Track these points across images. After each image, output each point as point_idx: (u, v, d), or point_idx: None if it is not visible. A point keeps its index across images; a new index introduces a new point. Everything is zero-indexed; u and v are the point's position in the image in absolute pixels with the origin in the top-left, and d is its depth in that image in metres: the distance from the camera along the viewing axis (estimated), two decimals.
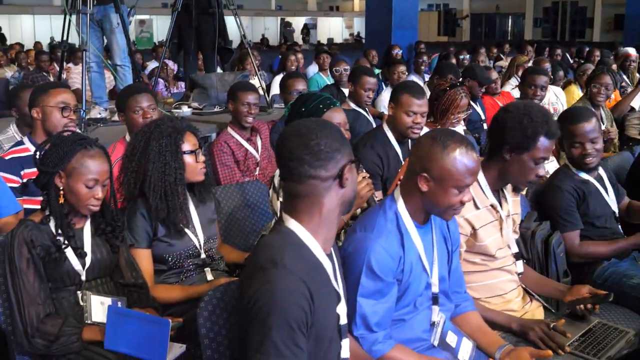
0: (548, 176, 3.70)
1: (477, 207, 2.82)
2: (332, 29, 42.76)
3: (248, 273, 1.97)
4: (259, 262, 1.93)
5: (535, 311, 2.94)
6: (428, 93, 5.65)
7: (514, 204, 2.99)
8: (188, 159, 2.97)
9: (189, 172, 2.97)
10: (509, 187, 2.99)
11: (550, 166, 4.81)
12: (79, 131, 3.92)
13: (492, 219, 2.86)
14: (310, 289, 1.87)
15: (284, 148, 1.99)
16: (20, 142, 3.63)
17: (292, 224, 2.00)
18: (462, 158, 2.29)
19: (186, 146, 2.96)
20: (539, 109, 2.86)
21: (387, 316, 2.33)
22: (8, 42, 22.69)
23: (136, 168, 2.92)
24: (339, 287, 2.08)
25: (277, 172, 3.14)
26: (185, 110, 6.44)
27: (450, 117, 4.22)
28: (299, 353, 1.82)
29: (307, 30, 35.77)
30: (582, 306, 2.86)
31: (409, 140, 3.94)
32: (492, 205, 2.86)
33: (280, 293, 1.82)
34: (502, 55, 12.99)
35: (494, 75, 6.78)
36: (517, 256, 2.99)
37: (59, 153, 2.58)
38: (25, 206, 3.41)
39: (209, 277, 3.05)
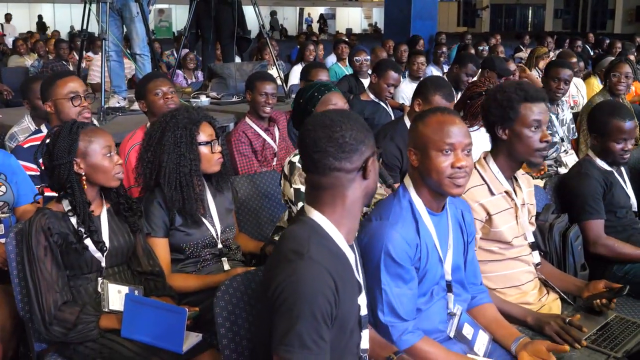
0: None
1: (492, 194, 2.82)
2: (351, 19, 42.62)
3: (272, 263, 1.97)
4: (283, 252, 1.92)
5: (552, 304, 2.92)
6: None
7: (528, 194, 2.99)
8: (204, 149, 2.97)
9: (204, 163, 2.97)
10: (524, 177, 3.00)
11: (570, 159, 4.78)
12: (94, 120, 3.95)
13: (507, 206, 2.86)
14: (335, 280, 1.87)
15: (308, 140, 1.97)
16: (39, 131, 3.64)
17: (316, 215, 2.00)
18: (434, 119, 2.34)
19: (202, 137, 2.96)
20: (512, 82, 2.93)
21: (413, 304, 2.33)
22: (29, 30, 22.85)
23: (152, 159, 2.93)
24: (360, 277, 2.09)
25: (287, 160, 3.16)
26: (204, 99, 6.46)
27: (481, 121, 4.17)
28: (323, 345, 1.82)
29: (323, 20, 35.63)
30: (598, 301, 2.84)
31: None
32: (506, 193, 2.86)
33: (307, 284, 1.82)
34: (521, 47, 12.90)
35: (513, 66, 6.73)
36: (533, 246, 2.97)
37: (65, 143, 2.60)
38: (47, 194, 3.43)
39: (226, 266, 3.06)
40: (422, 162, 2.34)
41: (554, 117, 5.06)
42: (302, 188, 3.09)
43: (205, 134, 2.98)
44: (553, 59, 8.32)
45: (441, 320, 2.46)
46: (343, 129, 1.95)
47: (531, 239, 2.97)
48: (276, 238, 3.38)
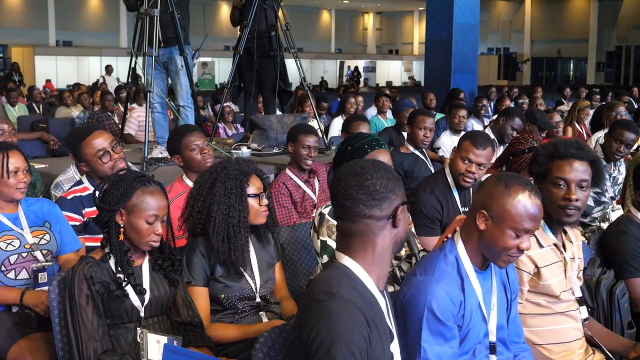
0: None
1: (540, 246, 2.80)
2: (391, 72, 42.99)
3: (304, 307, 1.98)
4: (314, 295, 1.94)
5: None
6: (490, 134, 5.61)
7: (578, 248, 2.96)
8: (252, 202, 2.99)
9: (251, 215, 2.99)
10: (573, 231, 2.97)
11: (615, 215, 4.70)
12: (131, 165, 4.00)
13: (556, 259, 2.82)
14: (367, 319, 1.88)
15: (339, 187, 2.02)
16: (80, 182, 3.70)
17: (346, 260, 2.02)
18: (523, 200, 2.28)
19: (251, 189, 2.99)
20: (554, 140, 2.96)
21: None
22: (76, 81, 23.37)
23: (201, 208, 2.96)
24: (392, 324, 2.08)
25: (318, 211, 3.17)
26: (245, 151, 6.52)
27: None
28: None
29: (358, 73, 35.72)
30: None
31: (470, 187, 3.91)
32: (555, 245, 2.83)
33: (341, 322, 1.83)
34: (563, 100, 12.84)
35: (556, 118, 6.64)
36: (580, 301, 2.92)
37: (119, 191, 2.64)
38: (87, 244, 3.48)
39: (264, 320, 3.05)
40: (491, 232, 2.31)
41: (606, 175, 4.96)
42: (329, 241, 3.09)
43: (254, 186, 3.01)
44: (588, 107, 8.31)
45: None
46: (374, 177, 1.99)
47: (579, 293, 2.92)
48: None
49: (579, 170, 2.78)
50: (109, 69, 23.30)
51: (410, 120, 5.50)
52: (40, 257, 3.18)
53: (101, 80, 22.50)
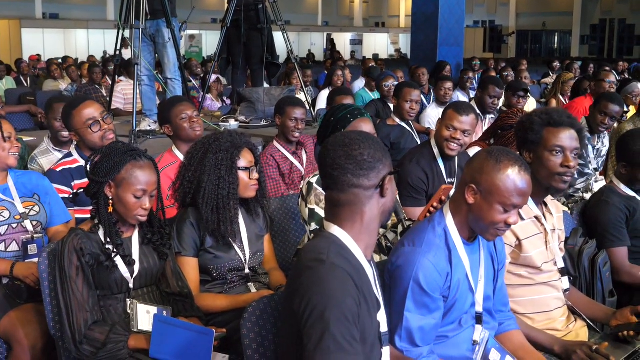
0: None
1: (521, 219, 2.81)
2: (378, 45, 42.81)
3: (294, 275, 2.00)
4: (304, 263, 1.96)
5: (579, 331, 2.91)
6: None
7: (558, 220, 2.99)
8: (242, 175, 3.01)
9: (241, 188, 3.01)
10: (553, 203, 3.00)
11: (598, 186, 4.75)
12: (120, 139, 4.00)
13: (537, 231, 2.85)
14: (356, 284, 1.91)
15: (327, 158, 2.03)
16: (69, 154, 3.70)
17: (335, 229, 2.04)
18: (512, 176, 2.29)
19: (242, 162, 3.01)
20: (543, 108, 2.97)
21: (433, 332, 2.34)
22: (63, 55, 23.04)
23: (192, 178, 2.98)
24: (379, 294, 2.10)
25: (306, 180, 3.20)
26: (233, 123, 6.52)
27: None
28: (357, 346, 1.84)
29: (332, 45, 35.26)
30: (625, 332, 2.82)
31: (455, 158, 3.95)
32: (536, 218, 2.86)
33: (332, 287, 1.85)
34: (550, 73, 12.88)
35: (611, 78, 6.68)
36: (562, 272, 2.96)
37: (110, 164, 2.64)
38: (76, 216, 3.49)
39: (253, 290, 3.08)
40: (480, 206, 2.32)
41: (590, 147, 5.01)
42: (317, 209, 3.12)
43: (245, 160, 3.02)
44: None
45: (468, 348, 2.46)
46: (361, 148, 2.00)
47: (561, 264, 2.96)
48: None
49: (573, 138, 2.82)
50: (125, 42, 23.05)
51: (397, 93, 5.54)
52: (30, 227, 3.19)
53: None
